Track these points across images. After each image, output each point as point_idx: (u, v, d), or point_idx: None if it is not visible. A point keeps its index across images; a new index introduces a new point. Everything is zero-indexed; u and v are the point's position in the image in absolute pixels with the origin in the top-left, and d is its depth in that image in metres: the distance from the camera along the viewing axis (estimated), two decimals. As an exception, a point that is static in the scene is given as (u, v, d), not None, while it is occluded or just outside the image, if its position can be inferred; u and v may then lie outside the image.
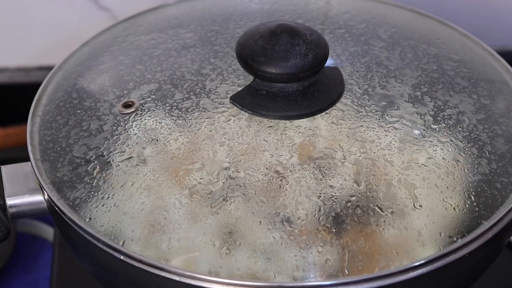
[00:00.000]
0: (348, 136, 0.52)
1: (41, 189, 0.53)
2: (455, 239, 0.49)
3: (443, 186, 0.51)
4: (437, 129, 0.53)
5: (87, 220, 0.51)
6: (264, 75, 0.53)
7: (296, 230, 0.49)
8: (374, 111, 0.54)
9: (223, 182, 0.50)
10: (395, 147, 0.52)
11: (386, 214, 0.49)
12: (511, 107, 0.57)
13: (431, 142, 0.53)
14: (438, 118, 0.54)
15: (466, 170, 0.52)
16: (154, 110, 0.55)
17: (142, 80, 0.57)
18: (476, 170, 0.52)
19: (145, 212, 0.50)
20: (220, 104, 0.54)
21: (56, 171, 0.53)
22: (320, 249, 0.48)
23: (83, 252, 0.53)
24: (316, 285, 0.47)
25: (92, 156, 0.53)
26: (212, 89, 0.55)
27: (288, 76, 0.53)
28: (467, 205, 0.51)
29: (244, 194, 0.50)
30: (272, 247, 0.48)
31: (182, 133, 0.53)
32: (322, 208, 0.49)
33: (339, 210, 0.49)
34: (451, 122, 0.54)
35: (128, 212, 0.50)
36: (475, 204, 0.51)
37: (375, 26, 0.61)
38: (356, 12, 0.63)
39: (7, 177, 0.55)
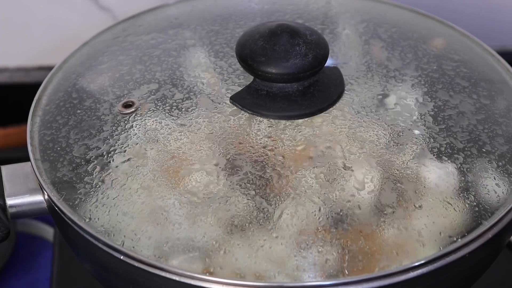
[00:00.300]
0: (348, 136, 0.52)
1: (41, 189, 0.53)
2: (455, 239, 0.49)
3: (443, 186, 0.51)
4: (437, 129, 0.53)
5: (87, 220, 0.51)
6: (264, 75, 0.53)
7: (296, 230, 0.49)
8: (374, 111, 0.54)
9: (223, 182, 0.50)
10: (395, 147, 0.52)
11: (386, 214, 0.49)
12: (511, 107, 0.57)
13: (431, 142, 0.53)
14: (438, 118, 0.54)
15: (466, 170, 0.52)
16: (154, 110, 0.55)
17: (142, 80, 0.57)
18: (476, 170, 0.52)
19: (145, 212, 0.50)
20: (220, 104, 0.54)
21: (56, 171, 0.53)
22: (320, 249, 0.48)
23: (83, 252, 0.53)
24: (316, 285, 0.47)
25: (92, 156, 0.53)
26: (212, 89, 0.55)
27: (288, 76, 0.53)
28: (467, 205, 0.51)
29: (244, 194, 0.50)
30: (272, 247, 0.48)
31: (182, 133, 0.53)
32: (322, 208, 0.49)
33: (339, 210, 0.49)
34: (451, 122, 0.54)
35: (128, 212, 0.50)
36: (475, 204, 0.51)
37: (375, 26, 0.61)
38: (356, 12, 0.63)
39: (7, 177, 0.55)
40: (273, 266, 0.48)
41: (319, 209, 0.49)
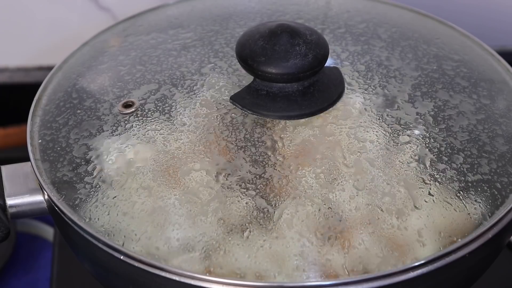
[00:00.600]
0: (348, 136, 0.52)
1: (41, 189, 0.53)
2: (455, 239, 0.49)
3: (443, 186, 0.51)
4: (437, 129, 0.53)
5: (87, 220, 0.51)
6: (264, 75, 0.53)
7: (296, 230, 0.49)
8: (374, 111, 0.54)
9: (223, 182, 0.50)
10: (395, 147, 0.52)
11: (386, 214, 0.49)
12: (511, 107, 0.57)
13: (431, 142, 0.53)
14: (438, 118, 0.54)
15: (466, 170, 0.52)
16: (154, 110, 0.55)
17: (142, 80, 0.57)
18: (476, 170, 0.52)
19: (145, 212, 0.50)
20: (220, 104, 0.54)
21: (56, 171, 0.53)
22: (320, 249, 0.48)
23: (83, 252, 0.53)
24: (316, 285, 0.47)
25: (92, 156, 0.53)
26: (212, 89, 0.55)
27: (288, 76, 0.53)
28: (467, 205, 0.51)
29: (244, 194, 0.50)
30: (272, 247, 0.48)
31: (182, 133, 0.53)
32: (322, 208, 0.49)
33: (339, 210, 0.49)
34: (451, 122, 0.54)
35: (128, 212, 0.50)
36: (475, 204, 0.51)
37: (375, 26, 0.61)
38: (356, 12, 0.63)
39: (7, 177, 0.55)
40: (273, 266, 0.48)
41: (319, 209, 0.49)
